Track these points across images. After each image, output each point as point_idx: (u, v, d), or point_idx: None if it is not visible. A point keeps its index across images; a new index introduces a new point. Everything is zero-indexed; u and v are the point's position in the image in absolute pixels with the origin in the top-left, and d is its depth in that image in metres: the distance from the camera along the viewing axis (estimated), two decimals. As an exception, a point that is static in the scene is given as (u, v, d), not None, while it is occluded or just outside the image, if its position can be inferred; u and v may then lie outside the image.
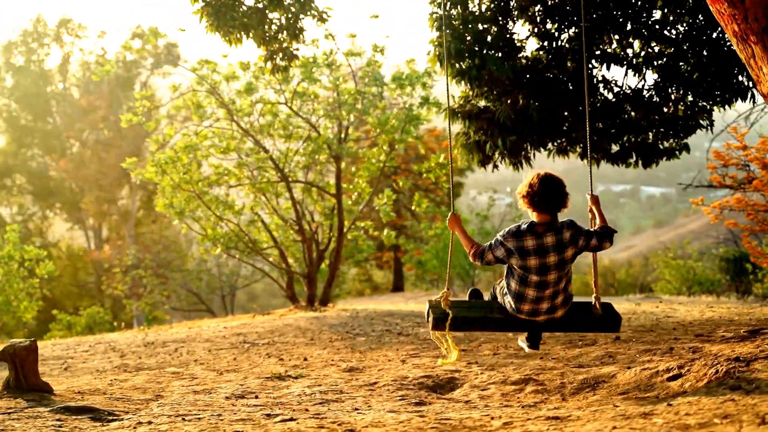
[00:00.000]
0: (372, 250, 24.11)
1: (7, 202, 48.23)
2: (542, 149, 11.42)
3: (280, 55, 10.91)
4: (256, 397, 6.09)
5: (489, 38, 10.50)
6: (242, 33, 10.24)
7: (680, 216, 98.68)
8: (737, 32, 6.57)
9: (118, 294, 34.00)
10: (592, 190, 6.39)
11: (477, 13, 10.62)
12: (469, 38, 10.45)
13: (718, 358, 6.08)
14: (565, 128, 10.97)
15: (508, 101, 10.55)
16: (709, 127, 11.17)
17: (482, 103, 10.92)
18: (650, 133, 11.32)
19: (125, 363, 9.65)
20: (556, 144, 11.49)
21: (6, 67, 47.31)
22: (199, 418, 4.77)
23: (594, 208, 6.19)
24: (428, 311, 5.91)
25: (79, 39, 47.75)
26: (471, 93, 10.83)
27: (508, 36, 10.66)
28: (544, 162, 12.36)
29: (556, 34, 10.68)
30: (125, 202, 45.39)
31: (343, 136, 16.96)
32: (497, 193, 32.57)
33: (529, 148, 11.17)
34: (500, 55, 10.63)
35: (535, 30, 10.77)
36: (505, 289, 5.84)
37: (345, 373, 7.28)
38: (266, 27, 10.54)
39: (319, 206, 18.52)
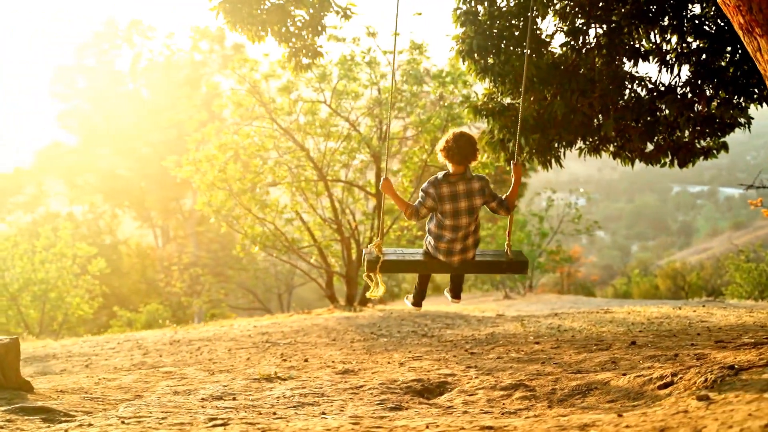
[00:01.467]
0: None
1: (79, 200, 49.33)
2: (571, 148, 11.15)
3: (303, 52, 10.80)
4: (234, 398, 5.98)
5: (516, 33, 10.28)
6: (262, 30, 10.17)
7: (760, 218, 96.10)
8: (743, 24, 6.26)
9: (177, 291, 34.37)
10: (516, 159, 7.15)
11: (504, 9, 10.40)
12: (494, 33, 10.24)
13: (713, 366, 5.79)
14: (594, 126, 10.69)
15: (531, 98, 10.31)
16: (747, 125, 10.77)
17: (507, 101, 10.70)
18: (687, 132, 10.97)
19: (144, 361, 9.67)
20: (588, 142, 11.20)
21: (78, 68, 48.34)
22: (139, 421, 4.67)
23: (513, 178, 6.91)
24: (363, 256, 6.91)
25: (148, 40, 48.53)
26: (495, 90, 10.60)
27: (534, 31, 10.42)
28: (577, 162, 12.08)
29: (584, 28, 10.39)
30: (190, 200, 45.90)
31: (383, 134, 16.80)
32: (556, 192, 31.81)
33: (557, 146, 10.89)
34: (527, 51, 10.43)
35: (563, 26, 10.51)
36: (427, 235, 6.85)
37: (337, 375, 7.13)
38: (288, 23, 10.46)
39: (361, 205, 18.42)
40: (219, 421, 4.59)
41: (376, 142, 16.36)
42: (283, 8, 10.22)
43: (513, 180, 6.88)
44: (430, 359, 8.00)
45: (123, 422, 4.62)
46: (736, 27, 6.40)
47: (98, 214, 49.19)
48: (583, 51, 10.35)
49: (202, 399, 5.91)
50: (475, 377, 6.78)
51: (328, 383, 6.63)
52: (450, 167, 6.68)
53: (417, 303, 7.55)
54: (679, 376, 5.79)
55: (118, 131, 46.38)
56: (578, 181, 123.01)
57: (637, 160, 11.39)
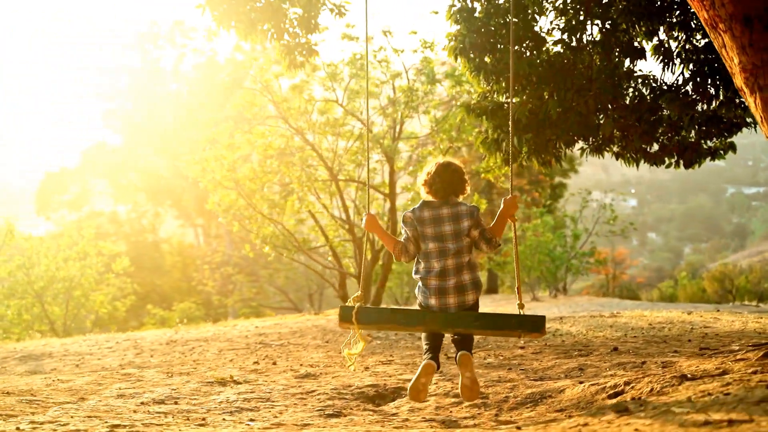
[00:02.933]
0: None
1: (123, 199, 49.94)
2: (571, 148, 10.89)
3: (298, 50, 10.68)
4: (176, 403, 5.87)
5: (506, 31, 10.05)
6: (251, 27, 10.05)
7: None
8: (707, 20, 6.00)
9: (209, 290, 34.53)
10: (511, 191, 5.97)
11: (502, 5, 10.18)
12: (490, 31, 10.04)
13: (668, 374, 5.56)
14: (594, 125, 10.41)
15: (524, 97, 10.08)
16: (754, 126, 10.42)
17: (501, 99, 10.48)
18: (692, 132, 10.65)
19: (132, 361, 9.64)
20: (589, 142, 10.92)
21: (122, 69, 48.93)
22: (35, 428, 4.57)
23: (500, 211, 5.73)
24: (340, 309, 5.79)
25: (191, 40, 48.84)
26: (489, 89, 10.38)
27: (531, 29, 10.18)
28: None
29: (581, 25, 10.13)
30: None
31: (396, 134, 16.58)
32: (591, 193, 31.29)
33: (558, 145, 10.62)
34: (522, 49, 10.20)
35: (561, 23, 10.25)
36: (418, 282, 5.65)
37: (295, 379, 7.00)
38: (283, 21, 10.34)
39: (378, 206, 18.21)
40: (104, 430, 4.46)
41: (389, 142, 16.14)
42: (273, 5, 10.10)
43: (498, 214, 5.70)
44: (400, 364, 7.84)
45: (18, 428, 4.52)
46: (703, 22, 6.14)
47: (141, 212, 49.75)
48: (579, 48, 10.10)
49: (142, 403, 5.81)
50: (434, 383, 6.60)
51: (280, 388, 6.49)
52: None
53: (433, 358, 5.53)
54: (631, 385, 5.57)
55: (159, 131, 46.78)
56: (629, 182, 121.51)
57: (642, 161, 11.10)
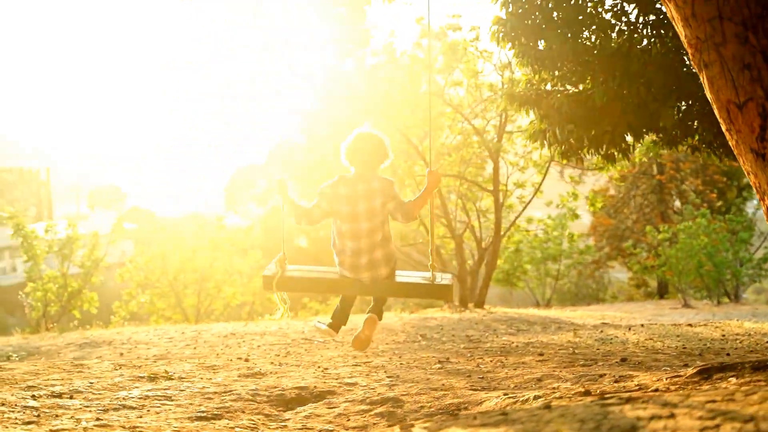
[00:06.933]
0: (593, 251, 22.54)
1: (306, 196, 51.32)
2: (639, 140, 10.02)
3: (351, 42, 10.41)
4: (71, 397, 5.59)
5: (558, 14, 9.32)
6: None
7: None
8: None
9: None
10: (430, 166, 6.73)
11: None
12: (535, 15, 9.35)
13: (579, 390, 4.91)
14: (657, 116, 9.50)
15: (566, 85, 9.33)
16: None
17: (548, 87, 9.74)
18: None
19: (172, 352, 9.76)
20: (659, 135, 10.00)
21: (307, 69, 50.19)
22: None
23: (425, 187, 5.82)
24: (262, 279, 6.00)
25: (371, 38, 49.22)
26: (534, 76, 9.66)
27: (582, 10, 9.39)
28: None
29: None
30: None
31: (501, 127, 15.86)
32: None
33: (616, 137, 9.74)
34: (582, 33, 9.44)
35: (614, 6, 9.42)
36: (333, 254, 5.90)
37: (238, 377, 6.67)
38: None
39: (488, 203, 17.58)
40: None
41: (494, 135, 15.51)
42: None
43: (425, 188, 5.79)
44: (368, 366, 7.37)
45: None
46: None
47: (322, 209, 51.02)
48: (632, 32, 9.25)
49: (33, 396, 5.58)
50: (368, 388, 6.14)
51: (201, 386, 6.18)
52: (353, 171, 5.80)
53: (334, 326, 6.12)
54: (540, 399, 4.95)
55: (339, 131, 47.67)
56: None
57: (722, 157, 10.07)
